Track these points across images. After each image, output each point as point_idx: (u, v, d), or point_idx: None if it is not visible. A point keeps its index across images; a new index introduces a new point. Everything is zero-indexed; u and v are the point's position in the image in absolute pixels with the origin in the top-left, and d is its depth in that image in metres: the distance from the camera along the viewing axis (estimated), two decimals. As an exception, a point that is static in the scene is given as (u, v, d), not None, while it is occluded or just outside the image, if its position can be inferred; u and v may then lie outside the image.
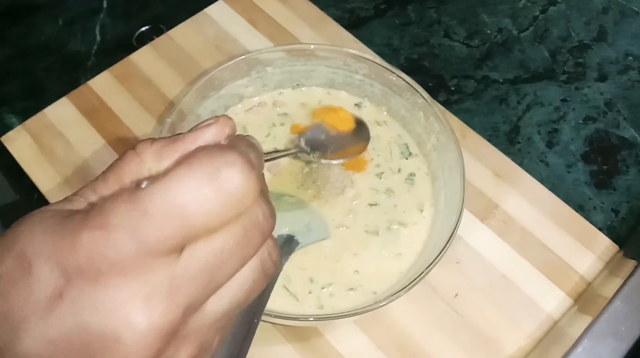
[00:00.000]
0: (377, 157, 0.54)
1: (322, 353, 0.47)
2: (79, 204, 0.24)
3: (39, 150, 0.56)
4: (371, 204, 0.51)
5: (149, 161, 0.24)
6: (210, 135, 0.25)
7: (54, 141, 0.56)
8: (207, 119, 0.27)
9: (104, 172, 0.25)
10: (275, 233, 0.48)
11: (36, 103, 0.59)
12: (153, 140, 0.25)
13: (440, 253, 0.43)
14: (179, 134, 0.26)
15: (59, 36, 0.66)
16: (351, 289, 0.47)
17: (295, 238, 0.48)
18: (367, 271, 0.48)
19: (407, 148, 0.54)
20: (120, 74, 0.61)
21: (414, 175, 0.53)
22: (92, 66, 0.63)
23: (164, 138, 0.26)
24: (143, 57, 0.62)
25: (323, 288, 0.47)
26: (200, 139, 0.25)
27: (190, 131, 0.26)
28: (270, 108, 0.56)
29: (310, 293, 0.47)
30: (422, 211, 0.51)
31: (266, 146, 0.54)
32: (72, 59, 0.64)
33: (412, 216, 0.51)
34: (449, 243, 0.44)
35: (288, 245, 0.47)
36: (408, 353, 0.48)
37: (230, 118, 0.26)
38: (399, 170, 0.53)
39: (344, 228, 0.50)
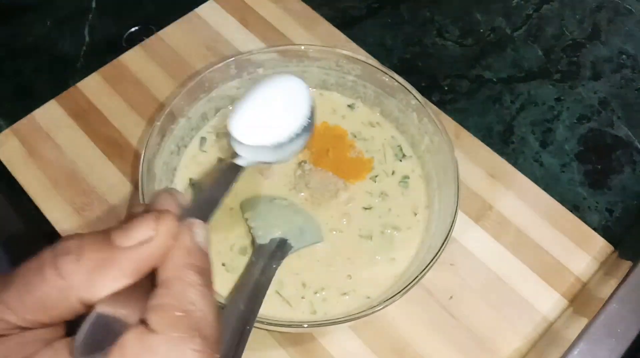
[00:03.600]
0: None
1: (316, 358, 0.47)
2: None
3: (28, 154, 0.55)
4: (365, 208, 0.50)
5: (78, 285, 0.22)
6: (148, 252, 0.23)
7: (42, 145, 0.56)
8: (143, 213, 0.24)
9: (16, 283, 0.22)
10: (268, 237, 0.47)
11: (24, 105, 0.58)
12: (78, 253, 0.23)
13: (435, 256, 0.42)
14: (108, 233, 0.24)
15: (47, 37, 0.65)
16: (344, 294, 0.46)
17: (289, 241, 0.47)
18: (360, 275, 0.47)
19: (401, 149, 0.54)
20: (110, 75, 0.60)
21: (408, 178, 0.52)
22: (81, 68, 0.62)
23: (89, 241, 0.23)
24: (133, 58, 0.61)
25: (316, 292, 0.46)
26: (135, 255, 0.23)
27: (124, 232, 0.24)
28: None
29: (303, 298, 0.46)
30: (416, 214, 0.50)
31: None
32: (61, 60, 0.63)
33: (406, 220, 0.50)
34: (444, 245, 0.43)
35: (281, 248, 0.46)
36: (403, 356, 0.47)
37: (168, 217, 0.24)
38: (393, 172, 0.52)
39: (338, 232, 0.49)
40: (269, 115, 0.43)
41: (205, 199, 0.31)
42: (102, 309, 0.23)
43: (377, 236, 0.49)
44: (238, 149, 0.40)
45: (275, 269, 0.45)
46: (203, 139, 0.53)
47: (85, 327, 0.22)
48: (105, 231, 0.24)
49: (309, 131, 0.43)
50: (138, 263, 0.23)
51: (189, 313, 0.23)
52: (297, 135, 0.42)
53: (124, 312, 0.23)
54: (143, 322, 0.22)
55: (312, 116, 0.43)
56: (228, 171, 0.37)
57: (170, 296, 0.23)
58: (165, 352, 0.22)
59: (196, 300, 0.23)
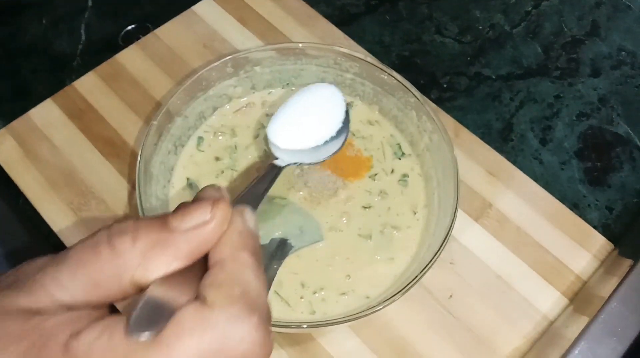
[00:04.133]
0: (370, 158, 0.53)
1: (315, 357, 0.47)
2: (46, 304, 0.22)
3: (24, 154, 0.55)
4: (365, 207, 0.50)
5: (132, 264, 0.23)
6: (203, 235, 0.24)
7: (39, 144, 0.55)
8: (198, 200, 0.25)
9: (69, 261, 0.23)
10: (268, 237, 0.47)
11: (21, 105, 0.57)
12: (134, 234, 0.23)
13: (435, 255, 0.42)
14: (164, 218, 0.24)
15: (43, 36, 0.64)
16: (343, 294, 0.46)
17: (289, 241, 0.47)
18: (359, 275, 0.47)
19: (400, 147, 0.53)
20: (106, 74, 0.60)
21: (407, 176, 0.52)
22: (78, 66, 0.62)
23: (145, 223, 0.24)
24: (129, 57, 0.61)
25: (315, 292, 0.46)
26: (191, 237, 0.23)
27: (180, 216, 0.24)
28: (259, 108, 0.55)
29: (302, 298, 0.46)
30: (415, 213, 0.50)
31: (256, 148, 0.53)
32: (57, 59, 0.63)
33: (406, 219, 0.50)
34: (444, 244, 0.43)
35: (281, 249, 0.46)
36: (402, 355, 0.47)
37: (223, 202, 0.25)
38: (392, 171, 0.52)
39: (337, 231, 0.49)
40: (304, 121, 0.48)
41: (251, 194, 0.35)
42: (155, 291, 0.23)
43: (377, 235, 0.49)
44: (277, 153, 0.46)
45: (277, 269, 0.44)
46: (200, 138, 0.53)
47: (139, 305, 0.22)
48: (161, 216, 0.25)
49: (345, 134, 0.48)
50: (193, 246, 0.24)
51: (246, 291, 0.23)
52: (332, 138, 0.47)
53: (175, 295, 0.23)
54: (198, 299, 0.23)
55: (346, 120, 0.48)
56: (269, 170, 0.41)
57: (226, 274, 0.23)
58: (225, 326, 0.22)
59: (251, 280, 0.24)
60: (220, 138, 0.53)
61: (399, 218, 0.50)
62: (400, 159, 0.53)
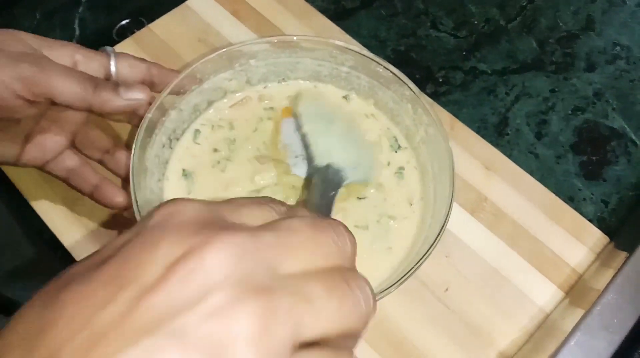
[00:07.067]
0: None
1: (311, 352, 0.46)
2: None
3: (17, 148, 0.54)
4: (360, 198, 0.50)
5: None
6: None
7: (32, 139, 0.55)
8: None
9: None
10: (325, 161, 0.48)
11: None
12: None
13: (430, 248, 0.42)
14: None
15: (37, 30, 0.64)
16: None
17: (342, 173, 0.47)
18: (358, 266, 0.47)
19: (396, 140, 0.53)
20: (101, 68, 0.59)
21: (403, 169, 0.52)
22: (72, 61, 0.61)
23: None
24: (124, 51, 0.60)
25: None
26: None
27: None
28: (256, 102, 0.54)
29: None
30: (411, 205, 0.50)
31: (255, 140, 0.52)
32: (50, 53, 0.62)
33: (402, 210, 0.50)
34: (439, 237, 0.43)
35: (336, 176, 0.46)
36: (399, 348, 0.47)
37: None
38: (389, 163, 0.52)
39: None
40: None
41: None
42: None
43: (374, 225, 0.48)
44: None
45: (334, 196, 0.44)
46: (197, 131, 0.52)
47: None
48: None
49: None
50: None
51: None
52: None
53: None
54: None
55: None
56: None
57: None
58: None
59: None
60: (218, 131, 0.52)
61: (395, 209, 0.49)
62: (396, 152, 0.53)
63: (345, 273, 0.23)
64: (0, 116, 0.39)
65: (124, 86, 0.41)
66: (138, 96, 0.42)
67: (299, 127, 0.51)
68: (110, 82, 0.41)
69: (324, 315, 0.21)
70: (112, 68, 0.44)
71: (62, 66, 0.40)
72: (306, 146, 0.49)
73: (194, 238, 0.20)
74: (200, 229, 0.20)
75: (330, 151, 0.48)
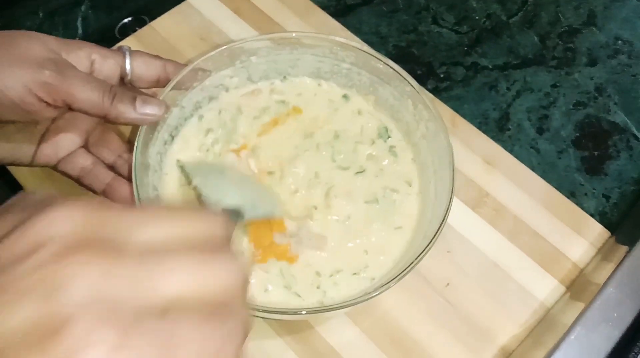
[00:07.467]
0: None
1: (313, 346, 0.47)
2: None
3: (21, 146, 0.55)
4: (358, 172, 0.51)
5: None
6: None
7: (36, 137, 0.55)
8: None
9: None
10: (221, 207, 0.46)
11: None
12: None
13: (430, 242, 0.42)
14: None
15: (40, 29, 0.64)
16: (355, 274, 0.46)
17: (242, 211, 0.46)
18: (374, 246, 0.48)
19: (387, 130, 0.53)
20: (103, 66, 0.60)
21: (395, 147, 0.52)
22: (74, 59, 0.62)
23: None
24: (127, 49, 0.61)
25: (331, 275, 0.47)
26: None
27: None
28: (266, 94, 0.55)
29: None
30: (410, 185, 0.50)
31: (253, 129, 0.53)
32: (53, 52, 0.63)
33: (402, 187, 0.50)
34: (439, 231, 0.43)
35: (234, 217, 0.45)
36: (400, 344, 0.47)
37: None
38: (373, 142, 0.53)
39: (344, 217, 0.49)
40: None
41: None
42: None
43: (382, 199, 0.49)
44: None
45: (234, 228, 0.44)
46: (201, 117, 0.53)
47: None
48: None
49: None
50: None
51: None
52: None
53: None
54: None
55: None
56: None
57: None
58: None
59: None
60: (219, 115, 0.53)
61: (395, 182, 0.50)
62: (385, 142, 0.53)
63: (206, 243, 0.22)
64: (21, 119, 0.40)
65: (142, 98, 0.42)
66: (154, 111, 0.43)
67: (189, 182, 0.50)
68: (129, 94, 0.42)
69: (176, 275, 0.20)
70: (128, 66, 0.45)
71: (83, 74, 0.40)
72: (198, 196, 0.48)
73: (40, 205, 0.20)
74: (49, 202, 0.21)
75: (225, 196, 0.47)
